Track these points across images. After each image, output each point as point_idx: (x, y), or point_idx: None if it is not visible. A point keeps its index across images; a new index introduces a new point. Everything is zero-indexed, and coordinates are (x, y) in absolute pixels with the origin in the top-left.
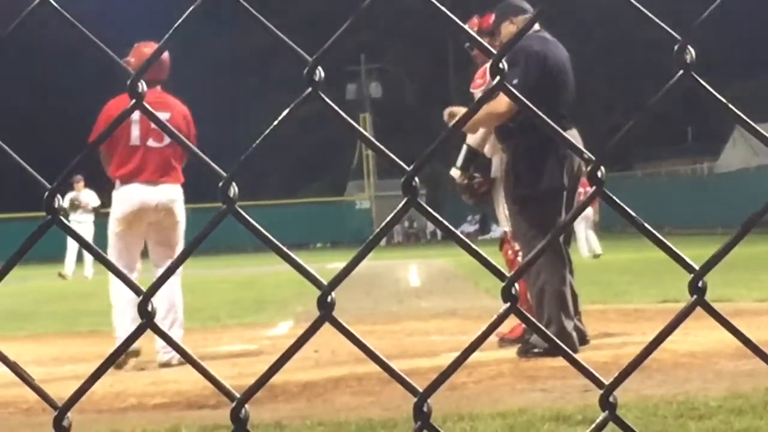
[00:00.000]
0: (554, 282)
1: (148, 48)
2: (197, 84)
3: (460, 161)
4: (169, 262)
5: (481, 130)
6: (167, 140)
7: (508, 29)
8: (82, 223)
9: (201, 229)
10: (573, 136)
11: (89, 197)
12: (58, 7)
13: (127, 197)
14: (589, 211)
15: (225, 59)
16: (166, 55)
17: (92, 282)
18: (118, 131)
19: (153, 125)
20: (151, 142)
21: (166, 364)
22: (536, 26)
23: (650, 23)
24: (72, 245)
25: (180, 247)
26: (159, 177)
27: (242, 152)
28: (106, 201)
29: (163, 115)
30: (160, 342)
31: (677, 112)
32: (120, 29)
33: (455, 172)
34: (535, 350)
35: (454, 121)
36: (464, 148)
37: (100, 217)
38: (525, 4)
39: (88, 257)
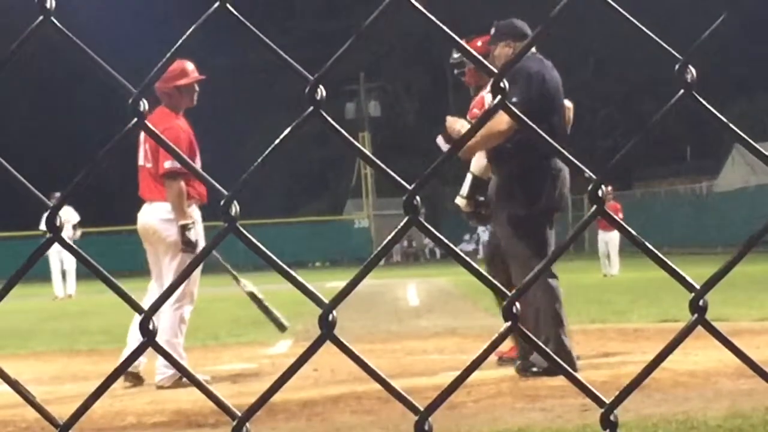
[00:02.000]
0: (550, 301)
1: (172, 65)
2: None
3: (465, 190)
4: (163, 281)
5: (485, 159)
6: (150, 159)
7: (504, 50)
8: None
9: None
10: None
11: (69, 214)
12: (63, 28)
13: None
14: (614, 233)
15: (225, 78)
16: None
17: (94, 301)
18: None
19: (147, 146)
20: (147, 163)
21: (162, 386)
22: (533, 49)
23: (650, 42)
24: (55, 266)
25: (173, 267)
26: (149, 195)
27: (241, 171)
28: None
29: None
30: (157, 362)
31: (676, 131)
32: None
33: (461, 201)
34: (534, 369)
35: (454, 141)
36: (468, 176)
37: (83, 235)
38: (527, 30)
39: (70, 275)
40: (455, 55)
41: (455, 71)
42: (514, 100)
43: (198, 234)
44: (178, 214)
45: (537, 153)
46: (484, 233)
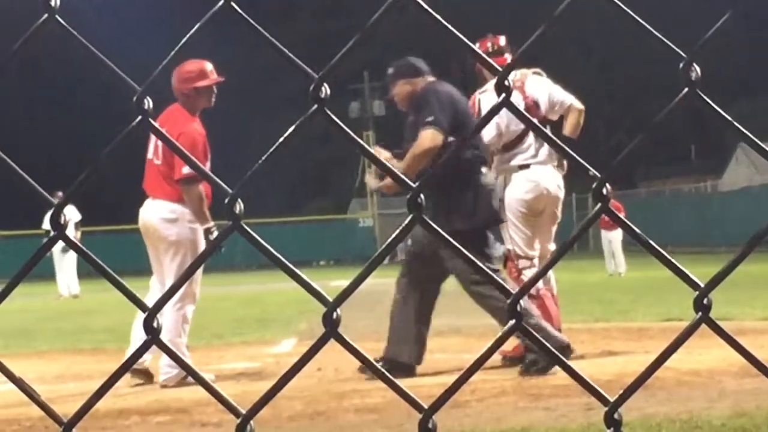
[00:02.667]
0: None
1: (191, 65)
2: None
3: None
4: (165, 280)
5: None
6: (161, 157)
7: (404, 88)
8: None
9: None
10: (486, 174)
11: (71, 212)
12: (67, 26)
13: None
14: (617, 232)
15: (227, 77)
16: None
17: (97, 300)
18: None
19: (158, 142)
20: (156, 159)
21: (165, 385)
22: (430, 78)
23: (654, 40)
24: (59, 264)
25: (177, 269)
26: (155, 193)
27: (245, 170)
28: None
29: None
30: (161, 362)
31: (681, 130)
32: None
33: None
34: (536, 367)
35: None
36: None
37: (84, 235)
38: (422, 65)
39: (71, 275)
40: (389, 72)
41: (385, 99)
42: (429, 119)
43: (198, 234)
44: (200, 218)
45: (466, 169)
46: None
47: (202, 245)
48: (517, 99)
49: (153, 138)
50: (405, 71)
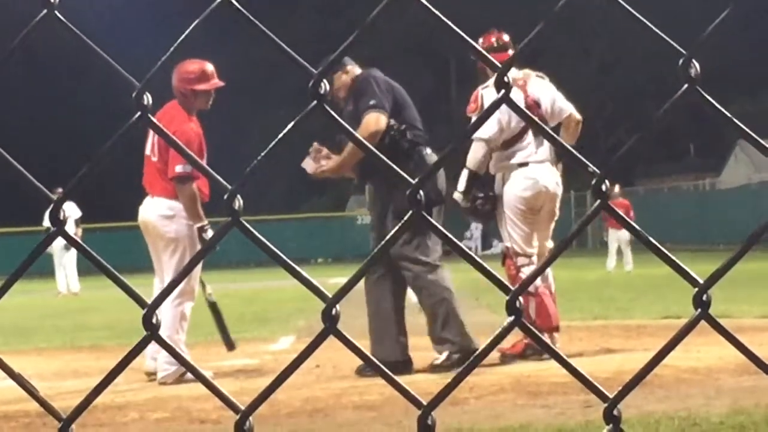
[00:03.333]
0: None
1: (192, 65)
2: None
3: (461, 185)
4: (164, 276)
5: (481, 151)
6: (157, 154)
7: (342, 78)
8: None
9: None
10: (430, 154)
11: (71, 209)
12: (66, 22)
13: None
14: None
15: (226, 74)
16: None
17: (96, 297)
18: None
19: (155, 139)
20: (153, 156)
21: (164, 382)
22: (356, 69)
23: (652, 38)
24: (57, 261)
25: (176, 265)
26: (153, 190)
27: (243, 167)
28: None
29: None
30: (159, 359)
31: (679, 128)
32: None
33: (458, 196)
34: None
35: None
36: (464, 172)
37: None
38: (345, 58)
39: (71, 272)
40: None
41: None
42: (371, 103)
43: (193, 231)
44: (193, 217)
45: (409, 148)
46: (476, 230)
47: (197, 241)
48: (518, 97)
49: (151, 134)
50: (334, 66)
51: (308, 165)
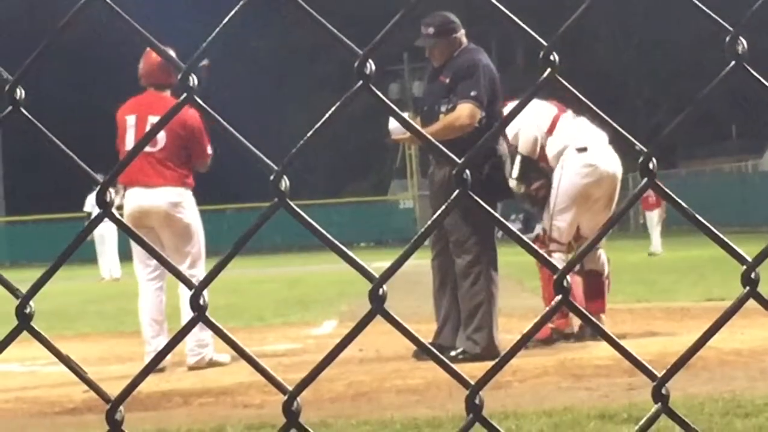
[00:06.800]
0: (493, 293)
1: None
2: (240, 83)
3: (515, 172)
4: (183, 268)
5: (531, 136)
6: (160, 144)
7: (445, 46)
8: (107, 222)
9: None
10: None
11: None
12: (112, 4)
13: (129, 202)
14: (654, 212)
15: (265, 59)
16: (157, 58)
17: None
18: (120, 137)
19: (146, 130)
20: (152, 147)
21: (195, 367)
22: (463, 38)
23: (695, 19)
24: (100, 246)
25: (193, 250)
26: (155, 181)
27: (283, 152)
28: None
29: (154, 119)
30: (188, 344)
31: (722, 109)
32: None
33: (513, 183)
34: (461, 356)
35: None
36: (518, 158)
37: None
38: (456, 19)
39: (113, 257)
40: (429, 31)
41: (425, 46)
42: (473, 94)
43: (195, 217)
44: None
45: (489, 146)
46: (519, 214)
47: (199, 227)
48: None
49: (135, 127)
50: (446, 30)
51: (395, 127)
